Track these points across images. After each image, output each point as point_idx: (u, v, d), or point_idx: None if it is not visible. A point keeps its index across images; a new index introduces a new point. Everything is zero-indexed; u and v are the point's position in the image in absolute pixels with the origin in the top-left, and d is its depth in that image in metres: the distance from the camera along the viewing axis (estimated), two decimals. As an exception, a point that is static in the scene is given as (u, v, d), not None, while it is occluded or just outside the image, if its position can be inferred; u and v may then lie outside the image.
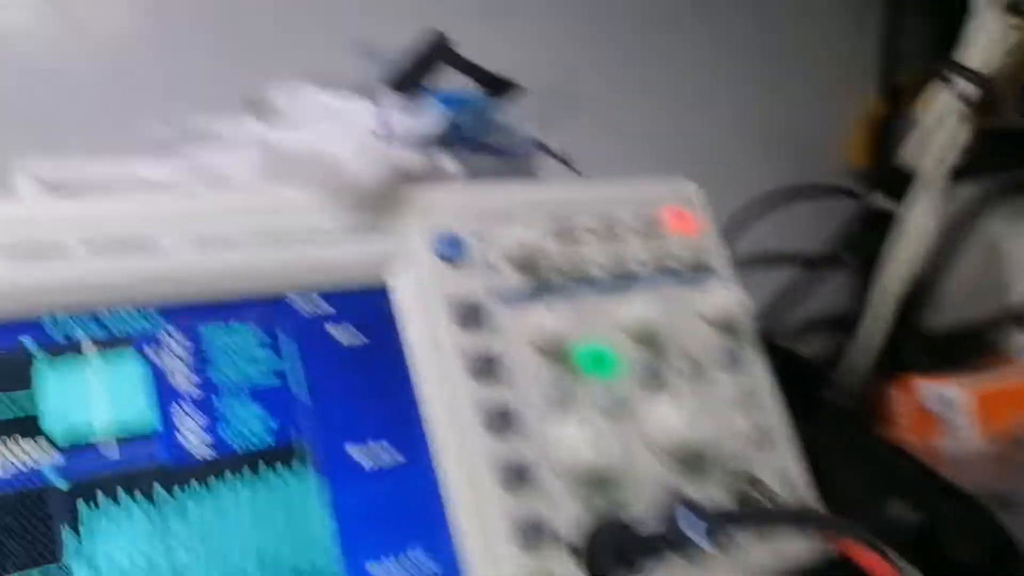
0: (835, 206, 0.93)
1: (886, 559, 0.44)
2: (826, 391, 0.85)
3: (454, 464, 0.47)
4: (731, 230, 0.83)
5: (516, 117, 0.59)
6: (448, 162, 0.56)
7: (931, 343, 0.87)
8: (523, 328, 0.52)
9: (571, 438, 0.48)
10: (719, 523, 0.42)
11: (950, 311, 0.87)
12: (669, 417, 0.53)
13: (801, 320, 0.94)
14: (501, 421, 0.48)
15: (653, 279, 0.59)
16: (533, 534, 0.46)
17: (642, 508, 0.50)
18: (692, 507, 0.43)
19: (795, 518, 0.46)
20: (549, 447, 0.49)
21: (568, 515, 0.48)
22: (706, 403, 0.53)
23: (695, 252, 0.61)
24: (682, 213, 0.62)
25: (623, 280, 0.57)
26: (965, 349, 0.85)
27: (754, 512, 0.46)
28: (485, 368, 0.49)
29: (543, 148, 0.61)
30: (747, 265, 0.91)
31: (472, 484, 0.46)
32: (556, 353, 0.52)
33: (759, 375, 0.60)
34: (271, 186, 0.51)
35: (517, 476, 0.47)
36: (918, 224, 0.84)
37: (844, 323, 0.90)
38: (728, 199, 0.66)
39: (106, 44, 0.77)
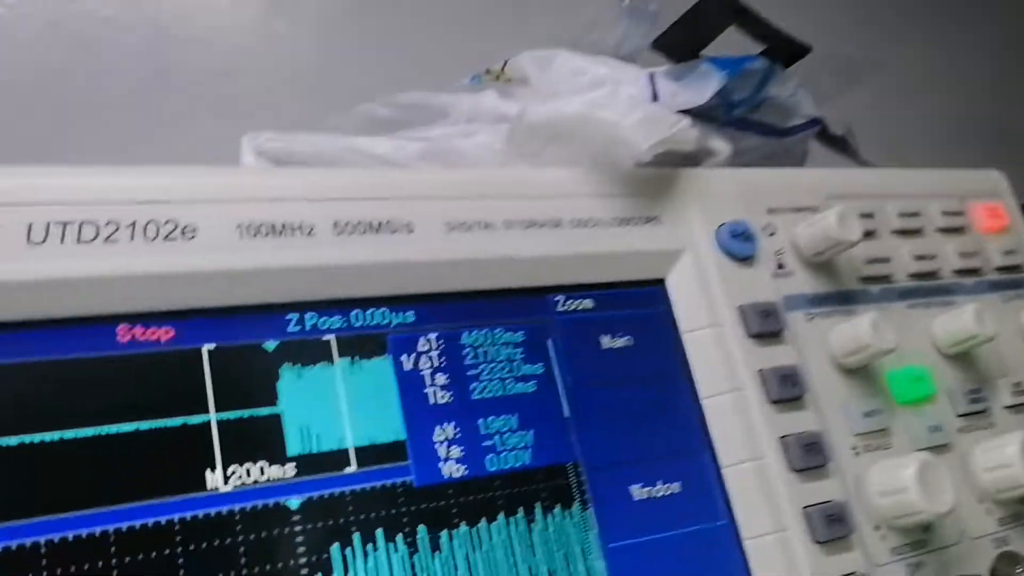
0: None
1: None
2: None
3: (753, 506, 0.38)
4: None
5: (795, 91, 0.50)
6: (718, 141, 0.47)
7: None
8: (825, 343, 0.42)
9: (896, 483, 0.39)
10: None
11: None
12: (999, 456, 0.42)
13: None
14: (808, 456, 0.38)
15: (967, 286, 0.48)
16: (854, 600, 0.36)
17: (967, 564, 0.40)
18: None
19: None
20: (864, 489, 0.39)
21: (890, 573, 0.38)
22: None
23: (1011, 255, 0.50)
24: (993, 208, 0.51)
25: (934, 287, 0.47)
26: None
27: None
28: (785, 389, 0.39)
29: (823, 129, 0.52)
30: None
31: (777, 534, 0.37)
32: (865, 374, 0.42)
33: (1100, 409, 0.48)
34: (520, 165, 0.44)
35: (830, 525, 0.37)
36: None
37: None
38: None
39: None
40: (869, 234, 0.46)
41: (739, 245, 0.42)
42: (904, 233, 0.47)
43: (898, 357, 0.43)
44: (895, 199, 0.48)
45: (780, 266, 0.43)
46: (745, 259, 0.42)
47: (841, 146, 0.53)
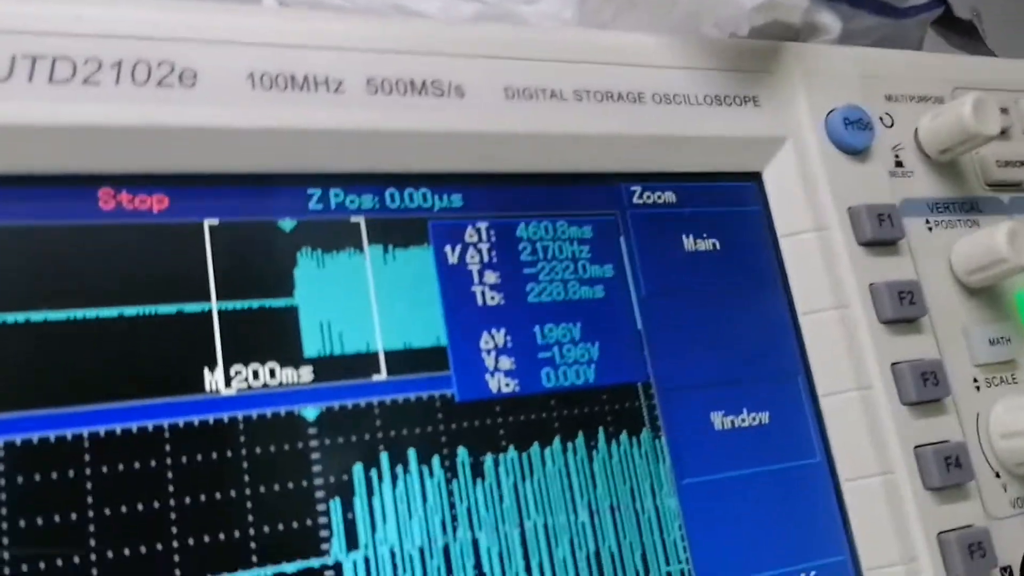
0: None
1: None
2: None
3: (854, 443, 0.32)
4: None
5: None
6: (828, 16, 0.40)
7: None
8: (946, 256, 0.35)
9: (1018, 419, 0.32)
10: None
11: None
12: None
13: None
14: (926, 389, 0.32)
15: (1113, 200, 0.41)
16: (971, 559, 0.30)
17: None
18: None
19: None
20: (984, 429, 0.33)
21: (1008, 528, 0.32)
22: None
23: None
24: None
25: (1075, 197, 0.40)
26: None
27: None
28: (899, 308, 0.33)
29: (947, 12, 0.44)
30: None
31: (882, 476, 0.31)
32: (991, 295, 0.36)
33: None
34: (594, 30, 0.37)
35: (945, 470, 0.31)
36: None
37: None
38: None
39: None
40: (1002, 132, 0.39)
41: (853, 135, 0.35)
42: (1041, 132, 0.40)
43: (1031, 277, 0.37)
44: (1030, 92, 0.40)
45: (898, 163, 0.36)
46: (858, 152, 0.35)
47: (966, 32, 0.45)
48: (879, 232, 0.34)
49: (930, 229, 0.36)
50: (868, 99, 0.36)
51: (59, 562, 0.22)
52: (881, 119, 0.36)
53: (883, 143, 0.36)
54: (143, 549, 0.23)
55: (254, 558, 0.24)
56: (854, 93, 0.36)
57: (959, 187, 0.37)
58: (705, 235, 0.33)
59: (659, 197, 0.33)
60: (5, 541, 0.22)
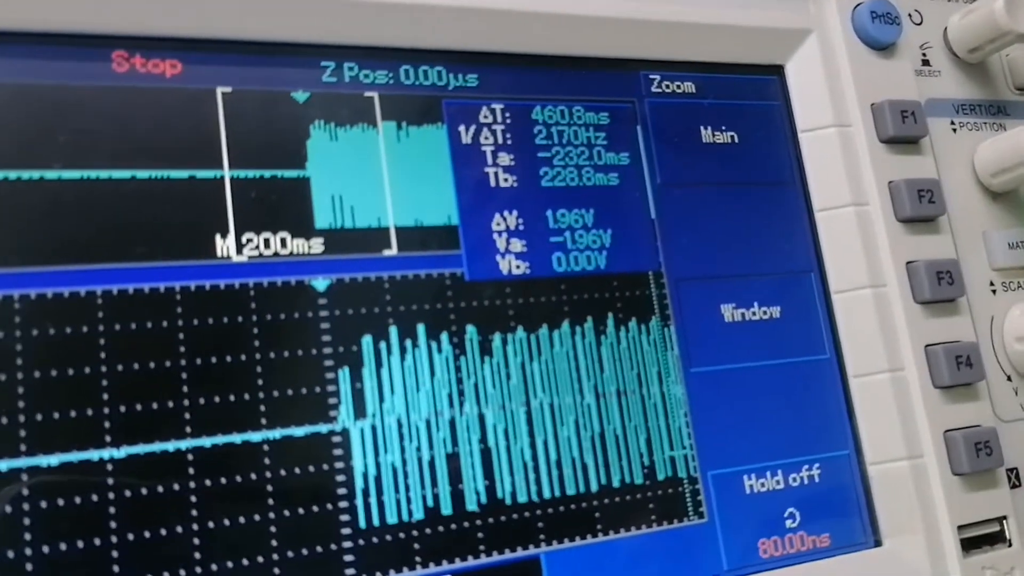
0: None
1: None
2: None
3: (864, 340, 0.32)
4: None
5: None
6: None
7: None
8: (969, 158, 0.35)
9: (1039, 325, 0.32)
10: None
11: None
12: None
13: None
14: (940, 288, 0.32)
15: None
16: (977, 456, 0.31)
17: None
18: None
19: None
20: (999, 331, 0.33)
21: (1017, 430, 0.32)
22: None
23: None
24: None
25: (1108, 105, 0.39)
26: None
27: None
28: (918, 206, 0.32)
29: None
30: None
31: (891, 373, 0.31)
32: (1014, 199, 0.35)
33: None
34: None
35: (955, 368, 0.31)
36: None
37: None
38: None
39: None
40: (1036, 35, 0.38)
41: (880, 29, 0.34)
42: (1079, 37, 0.39)
43: (1055, 184, 0.36)
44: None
45: (925, 62, 0.35)
46: (885, 48, 0.34)
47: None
48: (902, 129, 0.33)
49: (955, 130, 0.35)
50: (899, -6, 0.35)
51: (72, 414, 0.23)
52: (910, 16, 0.36)
53: (910, 40, 0.35)
54: (154, 405, 0.23)
55: (263, 420, 0.24)
56: (883, -13, 0.35)
57: (987, 89, 0.36)
58: (724, 127, 0.33)
59: (678, 87, 0.32)
60: (20, 391, 0.22)
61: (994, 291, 0.34)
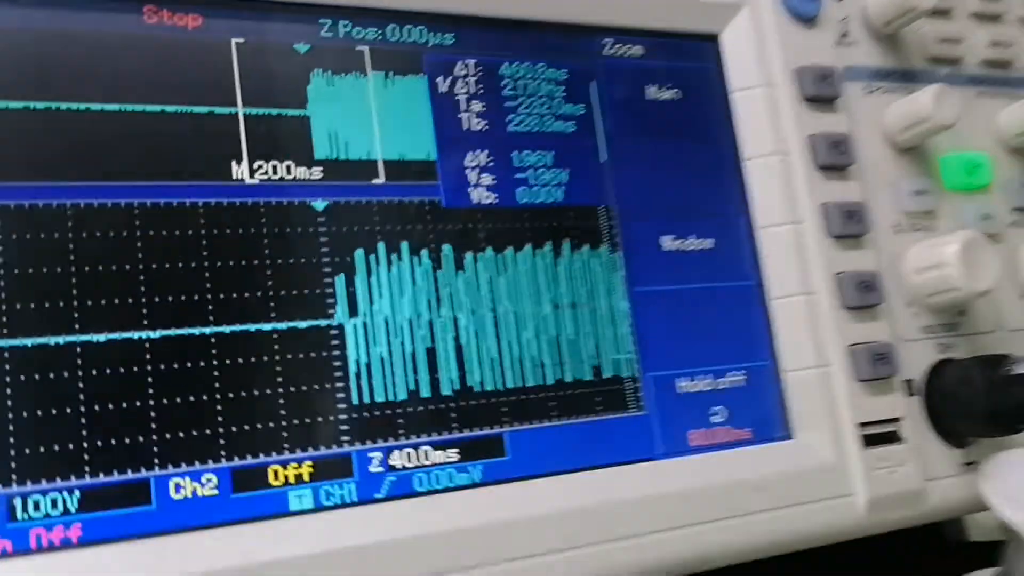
0: None
1: None
2: None
3: (783, 268, 0.37)
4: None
5: None
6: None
7: None
8: (881, 117, 0.40)
9: (937, 258, 0.37)
10: None
11: None
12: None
13: None
14: (850, 224, 0.37)
15: (1041, 80, 0.45)
16: (876, 366, 0.36)
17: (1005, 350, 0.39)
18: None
19: None
20: (902, 265, 0.38)
21: (915, 348, 0.38)
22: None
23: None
24: (1085, 2, 0.47)
25: (1007, 77, 0.44)
26: None
27: None
28: (832, 155, 0.38)
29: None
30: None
31: (806, 295, 0.36)
32: (918, 154, 0.41)
33: None
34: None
35: (860, 292, 0.37)
36: None
37: None
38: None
39: None
40: (944, 13, 0.43)
41: (803, 4, 0.39)
42: (982, 17, 0.44)
43: (957, 142, 0.41)
44: (979, -21, 0.45)
45: (845, 34, 0.41)
46: (808, 20, 0.39)
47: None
48: (819, 90, 0.38)
49: (869, 93, 0.40)
50: (822, -26, 0.40)
51: (116, 301, 0.27)
52: (835, -8, 0.41)
53: (833, 14, 0.40)
54: (183, 297, 0.28)
55: (273, 314, 0.29)
56: (808, -34, 0.40)
57: (900, 59, 0.42)
58: (667, 85, 0.38)
59: (628, 49, 0.38)
60: (74, 280, 0.27)
61: (898, 231, 0.39)
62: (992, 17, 0.45)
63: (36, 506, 0.25)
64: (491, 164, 0.34)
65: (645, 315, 0.35)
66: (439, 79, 0.34)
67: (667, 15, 0.38)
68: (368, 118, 0.32)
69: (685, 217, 0.37)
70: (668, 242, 0.36)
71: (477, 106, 0.34)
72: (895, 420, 0.36)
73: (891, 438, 0.36)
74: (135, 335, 0.27)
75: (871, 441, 0.36)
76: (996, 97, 0.44)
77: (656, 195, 0.37)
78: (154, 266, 0.28)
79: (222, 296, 0.29)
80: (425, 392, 0.31)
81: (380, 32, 0.33)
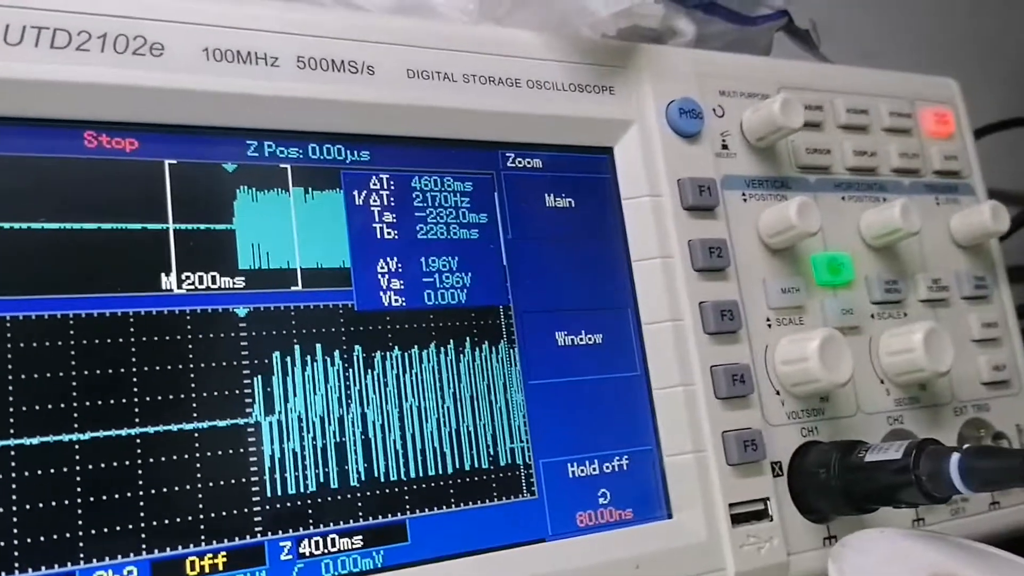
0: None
1: None
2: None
3: (665, 361, 0.41)
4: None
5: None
6: (684, 21, 0.49)
7: None
8: (756, 222, 0.45)
9: (800, 353, 0.42)
10: (986, 469, 0.35)
11: None
12: (908, 345, 0.45)
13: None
14: (724, 322, 0.42)
15: (901, 186, 0.51)
16: (746, 451, 0.40)
17: (861, 436, 0.44)
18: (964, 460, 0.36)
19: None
20: (771, 357, 0.43)
21: (782, 433, 0.42)
22: (947, 333, 0.45)
23: (951, 160, 0.53)
24: (942, 114, 0.53)
25: (870, 183, 0.50)
26: None
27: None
28: (713, 261, 0.42)
29: (789, 21, 0.53)
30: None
31: (684, 387, 0.41)
32: (789, 254, 0.45)
33: (1005, 310, 0.52)
34: (490, 25, 0.45)
35: (732, 383, 0.41)
36: None
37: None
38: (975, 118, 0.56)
39: None
40: (815, 126, 0.48)
41: (686, 122, 0.44)
42: (849, 128, 0.50)
43: (824, 243, 0.46)
44: (846, 95, 0.50)
45: (724, 146, 0.45)
46: (690, 136, 0.44)
47: (804, 40, 0.55)
48: (699, 199, 0.43)
49: (745, 200, 0.45)
50: (704, 93, 0.45)
51: (49, 406, 0.30)
52: (714, 110, 0.46)
53: (713, 129, 0.45)
54: (111, 401, 0.31)
55: (195, 414, 0.32)
56: (691, 88, 0.45)
57: (773, 168, 0.47)
58: (564, 194, 0.42)
59: (528, 163, 0.42)
60: (11, 388, 0.30)
61: (769, 325, 0.44)
62: (859, 128, 0.50)
63: (-29, 599, 0.28)
64: (400, 269, 0.38)
65: (538, 406, 0.39)
66: (355, 192, 0.38)
67: (563, 132, 0.42)
68: (289, 230, 0.36)
69: (577, 314, 0.41)
70: (561, 338, 0.40)
71: (389, 217, 0.38)
72: (763, 500, 0.41)
73: (759, 516, 0.40)
74: (66, 438, 0.30)
75: (740, 519, 0.40)
76: (861, 201, 0.49)
77: (551, 294, 0.41)
78: (86, 372, 0.31)
79: (148, 399, 0.32)
80: (334, 484, 0.34)
81: (301, 151, 0.37)
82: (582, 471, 0.39)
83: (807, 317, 0.45)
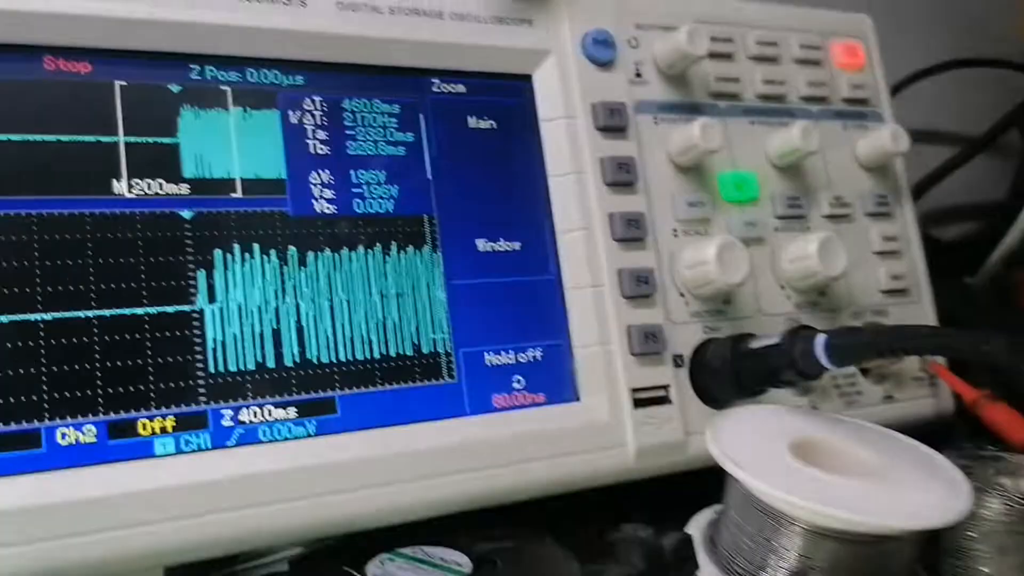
0: (1004, 82, 0.84)
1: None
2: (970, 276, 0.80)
3: (577, 265, 0.46)
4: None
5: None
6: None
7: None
8: (666, 143, 0.49)
9: (702, 257, 0.46)
10: (846, 345, 0.40)
11: None
12: (804, 253, 0.50)
13: (948, 204, 0.87)
14: (631, 230, 0.46)
15: (809, 112, 0.55)
16: (647, 343, 0.45)
17: (760, 331, 0.48)
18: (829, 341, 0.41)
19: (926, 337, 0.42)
20: (676, 263, 0.48)
21: (686, 331, 0.47)
22: (847, 245, 0.50)
23: (859, 89, 0.57)
24: (852, 47, 0.58)
25: (778, 109, 0.54)
26: None
27: (882, 332, 0.43)
28: (623, 177, 0.47)
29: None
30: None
31: (594, 287, 0.45)
32: (697, 173, 0.50)
33: (907, 226, 0.56)
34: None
35: (638, 284, 0.46)
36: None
37: (1002, 208, 0.83)
38: (893, 68, 0.60)
39: None
40: (726, 56, 0.53)
41: (600, 51, 0.48)
42: (760, 59, 0.54)
43: (732, 163, 0.51)
44: (759, 29, 0.54)
45: (638, 75, 0.50)
46: (604, 64, 0.48)
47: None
48: (610, 121, 0.47)
49: (656, 123, 0.50)
50: (620, 25, 0.50)
51: (16, 290, 0.35)
52: (629, 41, 0.50)
53: (628, 59, 0.49)
54: (71, 288, 0.36)
55: (145, 301, 0.37)
56: (608, 20, 0.49)
57: (685, 95, 0.51)
58: (486, 117, 0.47)
59: (452, 88, 0.46)
60: (-18, 274, 0.35)
61: (676, 235, 0.48)
62: (769, 59, 0.54)
63: (-49, 447, 0.33)
64: (332, 181, 0.42)
65: (459, 303, 0.44)
66: (290, 112, 0.42)
67: (486, 60, 0.47)
68: (229, 144, 0.40)
69: (497, 224, 0.45)
70: (482, 244, 0.45)
71: (322, 135, 0.43)
72: (663, 387, 0.45)
73: (659, 401, 0.45)
74: (31, 317, 0.35)
75: (642, 403, 0.45)
76: (769, 126, 0.53)
77: (473, 206, 0.45)
78: (47, 263, 0.36)
79: (103, 287, 0.37)
80: (271, 363, 0.39)
81: (240, 75, 0.41)
82: (499, 360, 0.44)
83: (712, 229, 0.49)
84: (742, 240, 0.48)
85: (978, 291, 0.77)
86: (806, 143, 0.51)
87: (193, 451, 0.37)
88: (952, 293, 0.64)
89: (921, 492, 0.37)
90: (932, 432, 0.46)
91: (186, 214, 0.39)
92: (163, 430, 0.36)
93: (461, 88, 0.46)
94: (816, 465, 0.38)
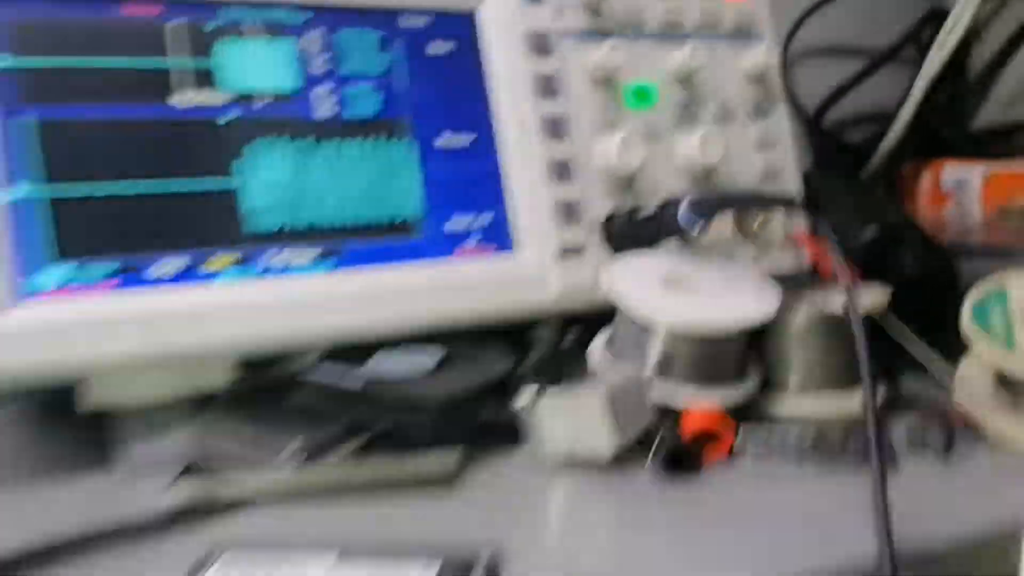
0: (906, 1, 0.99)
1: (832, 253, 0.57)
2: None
3: (515, 156, 0.61)
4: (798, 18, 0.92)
5: None
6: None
7: (974, 137, 0.95)
8: (583, 61, 0.64)
9: (609, 149, 0.62)
10: (702, 208, 0.56)
11: (997, 109, 0.95)
12: (693, 145, 0.65)
13: (856, 111, 1.02)
14: (555, 128, 0.62)
15: (702, 36, 0.70)
16: (570, 214, 0.61)
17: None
18: (689, 201, 0.57)
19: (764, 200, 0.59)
20: (592, 154, 0.63)
21: (598, 204, 0.63)
22: (730, 140, 0.65)
23: (746, 18, 0.72)
24: (739, -18, 0.72)
25: (675, 33, 0.69)
26: (1003, 145, 0.93)
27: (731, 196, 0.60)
28: (548, 88, 0.62)
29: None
30: (811, 55, 1.00)
31: (528, 172, 0.61)
32: (607, 84, 0.65)
33: (780, 124, 0.72)
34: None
35: (563, 170, 0.61)
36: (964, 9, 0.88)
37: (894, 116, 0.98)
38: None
39: None
40: (634, -8, 0.67)
41: (531, -10, 0.63)
42: (661, -6, 0.69)
43: (637, 76, 0.66)
44: (660, -31, 0.69)
45: (563, 7, 0.65)
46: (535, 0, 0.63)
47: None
48: (538, 44, 0.62)
49: (576, 47, 0.65)
50: (547, -30, 0.64)
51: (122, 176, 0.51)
52: (555, -18, 0.65)
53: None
54: (144, 170, 0.52)
55: (193, 176, 0.53)
56: (537, -33, 0.64)
57: (600, 24, 0.66)
58: (443, 43, 0.62)
59: (418, 20, 0.61)
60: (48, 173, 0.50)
61: (592, 134, 0.64)
62: (670, -6, 0.69)
63: (81, 274, 0.49)
64: (331, 92, 0.58)
65: (428, 182, 0.59)
66: (300, 40, 0.57)
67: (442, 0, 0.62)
68: (256, 65, 0.56)
69: (457, 123, 0.61)
70: (446, 137, 0.60)
71: (322, 59, 0.58)
72: (580, 245, 0.61)
73: (576, 252, 0.61)
74: (120, 183, 0.51)
75: (563, 255, 0.61)
76: (667, 46, 0.68)
77: (436, 110, 0.61)
78: (124, 153, 0.51)
79: (161, 168, 0.52)
80: (288, 227, 0.55)
81: (264, 14, 0.56)
82: (459, 223, 0.60)
83: (619, 129, 0.65)
84: (642, 137, 0.63)
85: (867, 184, 0.93)
86: (695, 59, 0.66)
87: (244, 279, 0.53)
88: (838, 182, 0.81)
89: (747, 303, 0.54)
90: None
91: (221, 120, 0.54)
92: (223, 266, 0.53)
93: (424, 21, 0.61)
94: (679, 290, 0.54)
